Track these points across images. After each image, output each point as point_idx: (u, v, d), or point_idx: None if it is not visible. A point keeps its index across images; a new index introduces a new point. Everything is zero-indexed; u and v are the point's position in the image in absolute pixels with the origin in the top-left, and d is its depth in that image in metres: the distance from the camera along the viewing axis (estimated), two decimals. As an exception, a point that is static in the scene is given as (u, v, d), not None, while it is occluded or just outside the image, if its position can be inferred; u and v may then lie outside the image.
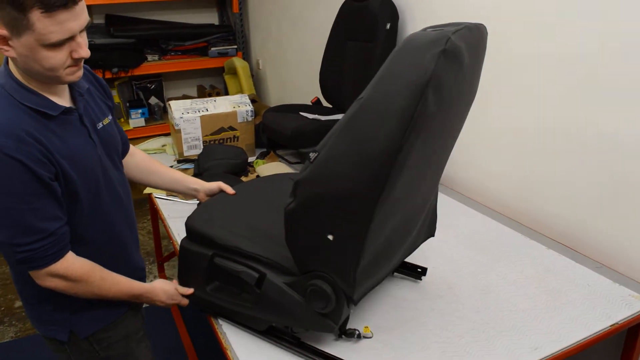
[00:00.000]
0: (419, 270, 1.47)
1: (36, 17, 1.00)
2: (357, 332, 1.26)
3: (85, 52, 1.10)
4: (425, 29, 0.99)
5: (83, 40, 1.10)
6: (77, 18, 1.05)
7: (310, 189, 1.06)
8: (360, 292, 1.18)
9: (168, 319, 2.67)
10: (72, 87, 1.22)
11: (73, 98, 1.23)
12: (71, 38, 1.06)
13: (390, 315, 1.35)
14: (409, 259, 1.49)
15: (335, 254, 1.10)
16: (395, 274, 1.50)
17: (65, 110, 1.17)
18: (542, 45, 1.65)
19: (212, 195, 1.61)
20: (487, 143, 1.95)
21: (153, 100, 4.05)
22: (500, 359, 1.19)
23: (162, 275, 2.98)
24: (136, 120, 3.86)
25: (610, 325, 1.30)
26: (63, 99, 1.19)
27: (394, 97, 0.94)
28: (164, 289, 1.37)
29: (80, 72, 1.15)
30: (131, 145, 1.57)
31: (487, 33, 1.12)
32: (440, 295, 1.42)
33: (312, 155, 1.03)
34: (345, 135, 0.99)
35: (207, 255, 1.30)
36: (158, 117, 4.01)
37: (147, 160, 1.61)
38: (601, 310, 1.35)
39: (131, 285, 1.32)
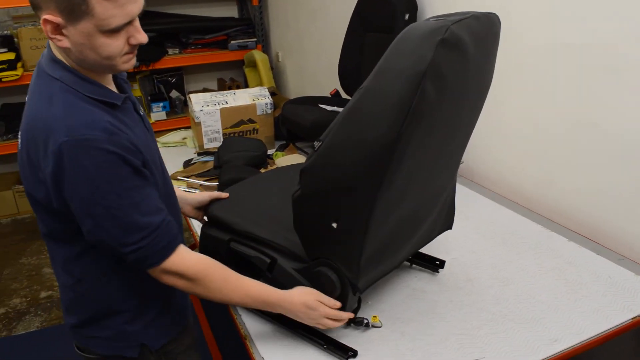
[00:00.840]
0: (437, 262, 1.47)
1: (97, 0, 0.93)
2: (365, 321, 1.26)
3: (144, 37, 1.02)
4: (428, 19, 0.99)
5: (139, 24, 1.02)
6: (137, 1, 0.98)
7: (314, 178, 1.08)
8: (367, 281, 1.19)
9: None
10: (116, 75, 1.15)
11: (118, 86, 1.15)
12: (129, 22, 0.99)
13: (408, 306, 1.35)
14: (427, 251, 1.49)
15: (339, 242, 1.11)
16: (414, 265, 1.50)
17: (124, 99, 1.10)
18: (561, 35, 1.63)
19: (201, 206, 1.49)
20: (507, 134, 1.93)
21: (174, 93, 4.09)
22: (519, 351, 1.19)
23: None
24: (157, 113, 3.90)
25: (632, 318, 1.28)
26: (114, 88, 1.12)
27: (393, 86, 0.94)
28: (303, 299, 1.15)
29: (134, 60, 1.07)
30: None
31: (499, 22, 1.10)
32: (459, 287, 1.42)
33: (316, 144, 1.05)
34: (347, 125, 1.00)
35: (223, 241, 1.33)
36: (179, 110, 4.04)
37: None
38: (622, 302, 1.33)
39: (265, 291, 1.15)
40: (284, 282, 1.21)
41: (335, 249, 1.13)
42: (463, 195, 1.93)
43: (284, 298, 1.15)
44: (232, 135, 2.41)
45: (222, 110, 2.39)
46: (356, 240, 1.08)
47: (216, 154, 2.23)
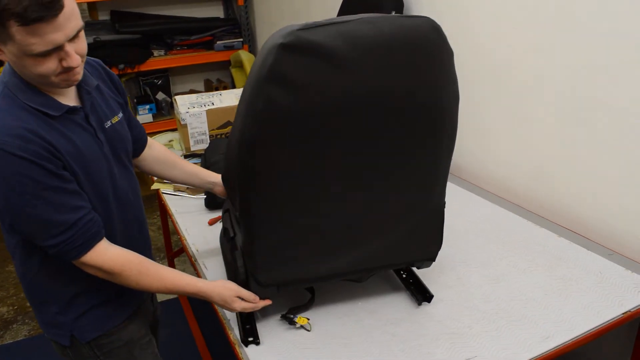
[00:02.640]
0: (427, 295, 1.34)
1: (14, 29, 0.96)
2: (291, 318, 1.28)
3: (75, 62, 1.03)
4: (291, 25, 1.00)
5: (75, 47, 1.04)
6: (60, 29, 0.99)
7: (225, 166, 1.27)
8: (278, 278, 1.21)
9: (177, 308, 2.68)
10: (80, 84, 1.18)
11: (80, 96, 1.19)
12: (59, 48, 1.01)
13: (399, 306, 1.34)
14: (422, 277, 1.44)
15: (242, 231, 1.19)
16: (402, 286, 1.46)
17: (70, 110, 1.14)
18: (550, 31, 1.62)
19: None
20: (495, 131, 1.93)
21: (160, 95, 4.05)
22: (511, 350, 1.18)
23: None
24: (144, 116, 3.86)
25: (623, 313, 1.28)
26: (68, 98, 1.16)
27: (245, 92, 1.04)
28: (221, 293, 1.24)
29: (77, 77, 1.09)
30: (149, 138, 1.52)
31: (434, 29, 1.04)
32: (450, 286, 1.41)
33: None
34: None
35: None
36: (166, 112, 4.01)
37: (166, 153, 1.57)
38: (613, 298, 1.32)
39: (180, 282, 1.24)
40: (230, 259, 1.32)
41: (243, 237, 1.20)
42: (452, 193, 1.92)
43: (202, 290, 1.25)
44: (218, 136, 2.39)
45: (208, 111, 2.36)
46: (248, 232, 1.16)
47: (203, 155, 2.21)
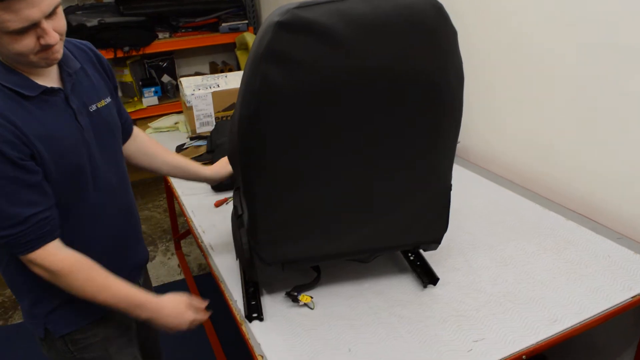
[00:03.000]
0: (433, 278, 1.34)
1: None
2: (294, 296, 1.28)
3: (52, 39, 1.01)
4: (289, 4, 0.99)
5: (53, 24, 1.02)
6: (35, 5, 0.96)
7: (230, 143, 1.26)
8: (280, 256, 1.21)
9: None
10: (62, 66, 1.15)
11: (62, 78, 1.15)
12: (36, 25, 0.99)
13: (406, 288, 1.34)
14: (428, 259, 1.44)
15: (246, 210, 1.20)
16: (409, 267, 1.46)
17: (47, 91, 1.10)
18: (569, 3, 1.59)
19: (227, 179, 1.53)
20: (502, 112, 1.91)
21: (165, 78, 4.03)
22: (519, 332, 1.17)
23: (178, 252, 3.00)
24: (149, 98, 3.85)
25: (632, 297, 1.27)
26: (48, 78, 1.12)
27: (245, 70, 1.04)
28: (173, 301, 1.25)
29: (57, 55, 1.06)
30: (135, 127, 1.47)
31: (433, 8, 1.01)
32: (457, 269, 1.40)
33: None
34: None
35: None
36: (171, 95, 3.99)
37: (152, 144, 1.49)
38: (622, 281, 1.32)
39: (129, 291, 1.19)
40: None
41: (247, 214, 1.20)
42: (459, 176, 1.91)
43: (151, 300, 1.22)
44: (224, 118, 2.38)
45: (214, 93, 2.35)
46: (251, 209, 1.16)
47: (209, 138, 2.20)
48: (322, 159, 1.09)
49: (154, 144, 1.50)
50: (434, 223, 1.25)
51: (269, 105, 1.01)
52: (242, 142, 1.07)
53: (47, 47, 1.03)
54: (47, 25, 1.00)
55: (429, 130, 1.11)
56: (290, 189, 1.12)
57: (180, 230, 3.06)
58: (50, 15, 1.01)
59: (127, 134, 1.43)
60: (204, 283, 2.76)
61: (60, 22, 1.04)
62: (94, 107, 1.20)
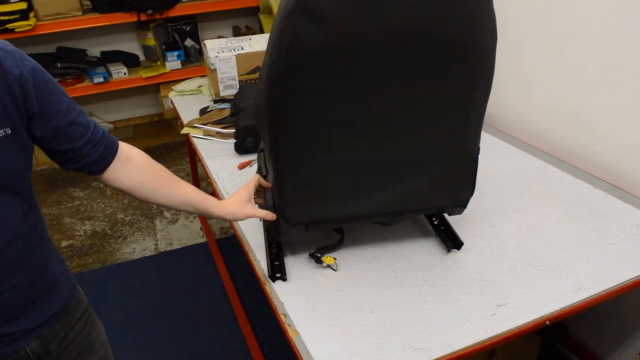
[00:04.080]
0: (457, 242, 1.33)
1: None
2: (318, 257, 1.29)
3: None
4: None
5: None
6: None
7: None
8: (304, 216, 1.21)
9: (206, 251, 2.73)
10: None
11: None
12: None
13: (429, 252, 1.33)
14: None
15: (272, 168, 1.19)
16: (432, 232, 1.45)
17: None
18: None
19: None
20: (530, 78, 1.87)
21: (189, 42, 4.01)
22: (543, 298, 1.17)
23: (201, 216, 3.03)
24: (172, 62, 3.84)
25: (660, 266, 1.25)
26: None
27: (274, 26, 1.02)
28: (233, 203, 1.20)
29: None
30: (129, 148, 1.13)
31: None
32: (481, 234, 1.39)
33: None
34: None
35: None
36: (194, 59, 3.98)
37: (152, 170, 1.15)
38: (650, 250, 1.30)
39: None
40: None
41: (272, 173, 1.20)
42: (486, 142, 1.88)
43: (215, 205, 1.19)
44: (248, 81, 2.36)
45: (237, 56, 2.33)
46: (276, 168, 1.15)
47: (232, 101, 2.19)
48: (348, 118, 1.08)
49: (157, 169, 1.16)
50: (460, 187, 1.24)
51: (298, 61, 1.00)
52: (269, 100, 1.06)
53: None
54: None
55: (459, 91, 1.09)
56: (316, 148, 1.11)
57: (202, 194, 3.09)
58: None
59: (106, 160, 1.07)
60: (225, 246, 2.79)
61: None
62: None
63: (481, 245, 1.35)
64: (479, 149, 1.21)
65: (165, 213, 3.13)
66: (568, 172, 1.66)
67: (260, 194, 1.28)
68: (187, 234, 2.92)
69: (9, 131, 0.90)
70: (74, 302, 1.16)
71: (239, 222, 1.49)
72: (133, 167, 1.12)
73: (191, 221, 3.03)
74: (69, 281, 1.16)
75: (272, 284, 1.25)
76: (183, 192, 1.17)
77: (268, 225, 1.33)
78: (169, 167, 3.65)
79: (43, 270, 1.06)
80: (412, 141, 1.14)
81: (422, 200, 1.24)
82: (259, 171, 1.38)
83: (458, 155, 1.19)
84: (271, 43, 1.03)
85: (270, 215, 1.23)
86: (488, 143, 1.89)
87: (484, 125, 2.03)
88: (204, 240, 2.86)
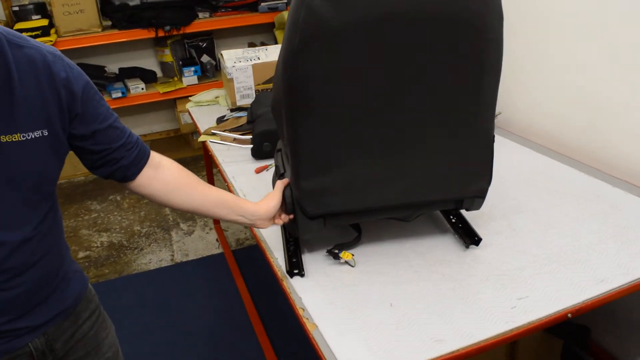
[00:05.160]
0: (475, 238, 1.32)
1: None
2: (335, 253, 1.28)
3: None
4: None
5: None
6: None
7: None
8: (321, 207, 1.20)
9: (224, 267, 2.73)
10: None
11: None
12: None
13: (447, 249, 1.33)
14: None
15: (289, 161, 1.19)
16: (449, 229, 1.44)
17: None
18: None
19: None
20: (545, 81, 1.86)
21: (205, 58, 4.08)
22: (565, 291, 1.15)
23: (217, 226, 3.04)
24: (189, 78, 3.90)
25: (683, 260, 1.23)
26: None
27: (291, 5, 1.04)
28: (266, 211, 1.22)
29: None
30: (159, 155, 1.15)
31: None
32: (499, 232, 1.38)
33: None
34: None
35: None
36: (210, 74, 4.04)
37: (183, 175, 1.16)
38: (673, 245, 1.28)
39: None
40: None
41: (291, 163, 1.20)
42: (502, 146, 1.88)
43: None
44: (264, 91, 2.39)
45: (254, 66, 2.36)
46: (294, 156, 1.15)
47: (249, 109, 2.21)
48: (365, 98, 1.09)
49: (186, 174, 1.17)
50: (477, 175, 1.23)
51: (313, 38, 1.02)
52: (286, 81, 1.08)
53: None
54: None
55: (470, 70, 1.10)
56: (333, 130, 1.12)
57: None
58: None
59: (136, 165, 1.09)
60: (241, 257, 2.79)
61: None
62: None
63: (500, 242, 1.34)
64: (493, 136, 1.21)
65: (182, 225, 3.14)
66: (585, 172, 1.65)
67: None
68: (203, 245, 2.93)
69: (45, 133, 0.93)
70: (83, 301, 1.16)
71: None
72: (165, 172, 1.14)
73: (207, 233, 3.04)
74: (80, 280, 1.16)
75: (290, 279, 1.25)
76: (217, 193, 1.19)
77: (286, 223, 1.33)
78: (185, 181, 3.67)
79: (56, 268, 1.07)
80: (427, 121, 1.15)
81: (440, 187, 1.23)
82: (277, 170, 1.39)
83: (473, 138, 1.19)
84: (288, 22, 1.05)
85: (288, 217, 1.25)
86: (503, 146, 1.88)
87: (499, 130, 2.04)
88: (219, 251, 2.87)
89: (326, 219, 1.25)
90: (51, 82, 0.92)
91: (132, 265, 2.78)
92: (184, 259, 2.81)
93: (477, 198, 1.27)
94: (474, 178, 1.23)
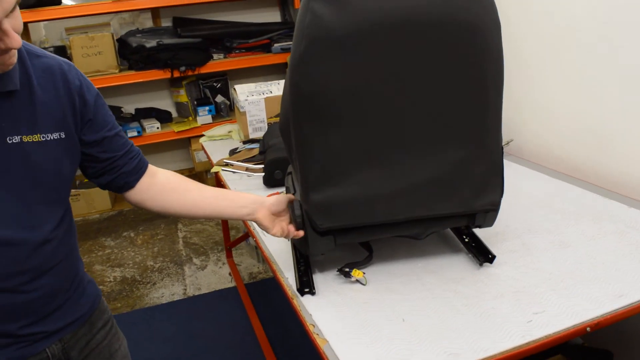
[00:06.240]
0: (489, 256, 1.30)
1: None
2: (347, 272, 1.27)
3: (16, 42, 0.82)
4: None
5: (11, 22, 0.82)
6: None
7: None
8: (331, 220, 1.19)
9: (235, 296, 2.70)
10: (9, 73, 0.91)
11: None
12: None
13: (460, 267, 1.31)
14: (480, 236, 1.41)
15: (299, 175, 1.19)
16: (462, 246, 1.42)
17: None
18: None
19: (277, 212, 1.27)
20: (553, 107, 1.87)
21: (219, 98, 4.16)
22: (582, 306, 1.12)
23: (230, 260, 3.03)
24: (204, 117, 3.97)
25: None
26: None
27: (297, 14, 1.07)
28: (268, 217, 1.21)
29: (13, 60, 0.87)
30: (155, 167, 1.20)
31: None
32: (513, 250, 1.36)
33: None
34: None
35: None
36: (224, 114, 4.11)
37: (178, 178, 1.22)
38: (693, 260, 1.25)
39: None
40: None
41: (299, 176, 1.19)
42: (514, 171, 1.87)
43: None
44: (277, 123, 2.42)
45: (266, 99, 2.40)
46: (303, 165, 1.15)
47: (261, 140, 2.24)
48: (370, 104, 1.11)
49: (182, 178, 1.23)
50: (488, 186, 1.22)
51: (318, 42, 1.04)
52: (293, 87, 1.09)
53: (5, 52, 0.84)
54: (7, 25, 0.81)
55: (474, 81, 1.12)
56: (341, 137, 1.13)
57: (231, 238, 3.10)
58: (6, 16, 0.81)
59: (135, 173, 1.14)
60: (254, 291, 2.77)
61: (17, 20, 0.84)
62: (15, 139, 0.93)
63: (514, 260, 1.32)
64: (502, 148, 1.21)
65: (194, 259, 3.14)
66: (599, 193, 1.63)
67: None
68: (216, 280, 2.91)
69: (63, 135, 1.00)
70: (97, 311, 1.18)
71: (266, 245, 1.49)
72: (162, 177, 1.20)
73: (220, 267, 3.03)
74: (93, 291, 1.19)
75: (301, 298, 1.24)
76: (216, 189, 1.23)
77: (296, 241, 1.32)
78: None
79: (71, 276, 1.10)
80: (435, 129, 1.16)
81: (451, 199, 1.21)
82: (287, 191, 1.39)
83: (481, 148, 1.19)
84: (295, 29, 1.09)
85: (297, 232, 1.24)
86: (516, 172, 1.88)
87: (510, 157, 2.03)
88: (232, 285, 2.85)
89: (336, 236, 1.24)
90: (66, 88, 1.00)
91: (144, 299, 2.77)
92: (197, 293, 2.79)
93: (489, 212, 1.26)
94: (485, 189, 1.22)
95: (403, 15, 1.05)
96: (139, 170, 1.15)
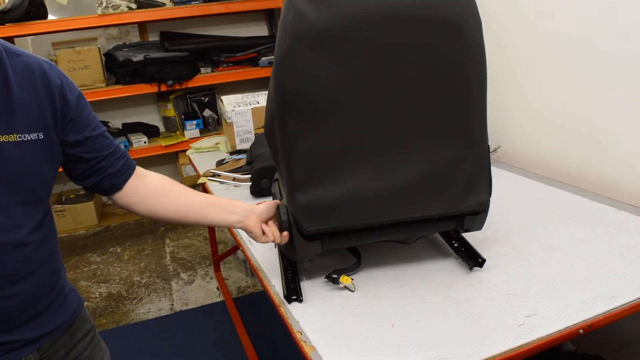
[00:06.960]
0: (479, 260, 1.28)
1: None
2: (334, 278, 1.24)
3: None
4: None
5: None
6: None
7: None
8: (318, 222, 1.16)
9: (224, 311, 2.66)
10: None
11: None
12: None
13: (450, 272, 1.28)
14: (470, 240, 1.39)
15: (284, 177, 1.17)
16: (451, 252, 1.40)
17: None
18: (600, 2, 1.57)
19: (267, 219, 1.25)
20: (542, 112, 1.87)
21: (207, 112, 4.14)
22: (574, 307, 1.10)
23: (217, 274, 2.99)
24: (191, 131, 3.95)
25: (696, 275, 1.18)
26: None
27: (281, 13, 1.07)
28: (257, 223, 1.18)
29: None
30: (144, 170, 1.18)
31: None
32: (504, 254, 1.34)
33: None
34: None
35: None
36: (212, 128, 4.08)
37: (168, 181, 1.19)
38: (684, 261, 1.23)
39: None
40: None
41: (285, 179, 1.17)
42: (503, 179, 1.86)
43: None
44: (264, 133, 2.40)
45: (253, 110, 2.39)
46: (288, 166, 1.13)
47: (248, 151, 2.22)
48: (354, 101, 1.10)
49: (171, 181, 1.20)
50: (475, 185, 1.20)
51: (301, 39, 1.04)
52: (276, 83, 1.08)
53: None
54: None
55: (454, 75, 1.12)
56: (325, 135, 1.11)
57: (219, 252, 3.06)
58: None
59: (122, 174, 1.11)
60: (242, 305, 2.72)
61: None
62: None
63: (504, 263, 1.30)
64: (488, 147, 1.20)
65: (182, 274, 3.09)
66: (588, 197, 1.62)
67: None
68: (204, 294, 2.86)
69: (41, 136, 0.96)
70: (78, 320, 1.13)
71: (252, 253, 1.46)
72: (151, 180, 1.16)
73: (207, 282, 2.98)
74: (75, 299, 1.14)
75: (288, 305, 1.21)
76: (205, 195, 1.22)
77: (283, 247, 1.30)
78: (186, 232, 3.65)
79: (51, 282, 1.05)
80: (420, 125, 1.15)
81: (439, 198, 1.20)
82: (274, 197, 1.37)
83: (468, 146, 1.18)
84: (279, 28, 1.08)
85: (282, 237, 1.21)
86: (504, 178, 1.87)
87: (499, 163, 2.02)
88: (220, 299, 2.80)
89: (324, 241, 1.22)
90: (47, 88, 0.96)
91: (130, 315, 2.71)
92: (184, 308, 2.74)
93: (478, 214, 1.24)
94: (473, 188, 1.20)
95: (383, 12, 1.05)
96: (126, 171, 1.11)
